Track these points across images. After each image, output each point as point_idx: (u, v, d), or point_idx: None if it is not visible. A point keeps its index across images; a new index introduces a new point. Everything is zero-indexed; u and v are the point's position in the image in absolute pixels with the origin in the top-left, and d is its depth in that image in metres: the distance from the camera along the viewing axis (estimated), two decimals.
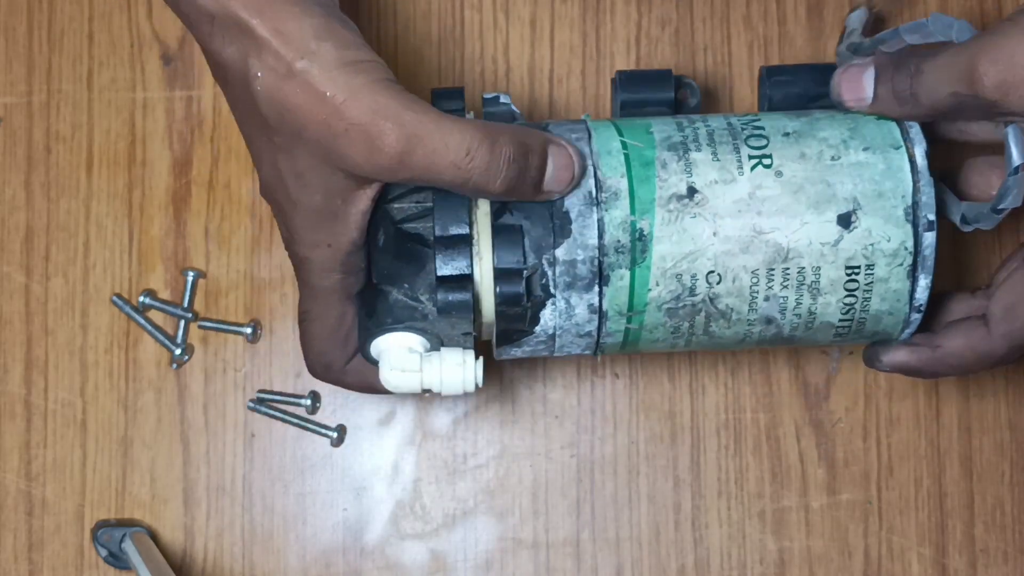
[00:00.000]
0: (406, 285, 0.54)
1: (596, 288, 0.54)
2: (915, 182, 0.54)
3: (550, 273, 0.54)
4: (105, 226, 0.69)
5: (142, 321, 0.68)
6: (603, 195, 0.54)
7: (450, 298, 0.53)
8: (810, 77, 0.59)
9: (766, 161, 0.55)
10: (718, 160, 0.55)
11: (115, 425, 0.68)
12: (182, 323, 0.68)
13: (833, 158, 0.55)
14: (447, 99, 0.57)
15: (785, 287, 0.54)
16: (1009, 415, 0.70)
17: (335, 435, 0.68)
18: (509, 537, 0.68)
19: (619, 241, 0.54)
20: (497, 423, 0.69)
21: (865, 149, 0.55)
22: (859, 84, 0.57)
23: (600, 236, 0.54)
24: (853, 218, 0.54)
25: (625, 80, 0.59)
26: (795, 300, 0.55)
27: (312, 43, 0.50)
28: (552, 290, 0.54)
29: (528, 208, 0.54)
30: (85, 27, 0.69)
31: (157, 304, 0.68)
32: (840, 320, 0.56)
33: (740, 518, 0.69)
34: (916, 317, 0.56)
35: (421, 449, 0.69)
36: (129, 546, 0.65)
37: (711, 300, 0.55)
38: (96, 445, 0.68)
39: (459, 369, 0.54)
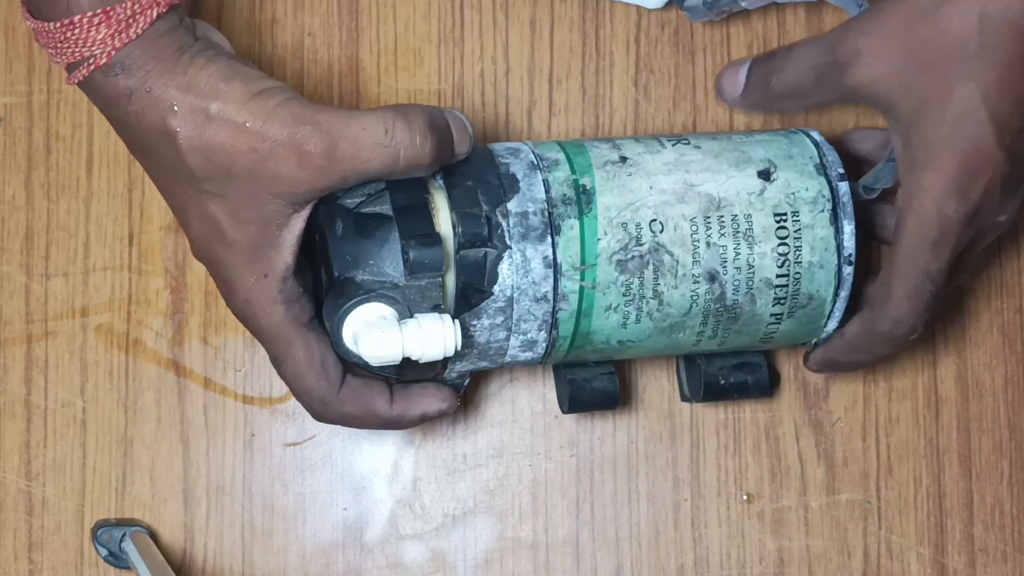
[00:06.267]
0: (371, 262, 0.56)
1: (549, 239, 0.57)
2: (817, 147, 0.61)
3: (504, 224, 0.57)
4: (105, 226, 0.69)
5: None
6: (544, 163, 0.59)
7: (422, 254, 0.55)
8: None
9: (684, 140, 0.61)
10: (642, 143, 0.61)
11: (115, 425, 0.68)
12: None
13: (741, 139, 0.61)
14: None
15: (722, 235, 0.59)
16: (1008, 415, 0.70)
17: None
18: (508, 537, 0.69)
19: (565, 195, 0.58)
20: (497, 423, 0.69)
21: (768, 134, 0.62)
22: (736, 75, 0.63)
23: (547, 191, 0.58)
24: (772, 171, 0.60)
25: None
26: (733, 249, 0.59)
27: (221, 85, 0.54)
28: (508, 241, 0.57)
29: (476, 173, 0.58)
30: None
31: None
32: (778, 276, 0.59)
33: (739, 518, 0.69)
34: (848, 271, 0.60)
35: (421, 449, 0.69)
36: (129, 546, 0.65)
37: (656, 249, 0.58)
38: (96, 445, 0.68)
39: (438, 327, 0.54)
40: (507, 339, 0.59)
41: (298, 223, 0.56)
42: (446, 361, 0.58)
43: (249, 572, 0.68)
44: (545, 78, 0.70)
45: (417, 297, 0.56)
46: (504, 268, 0.57)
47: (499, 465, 0.69)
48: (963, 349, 0.70)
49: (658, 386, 0.69)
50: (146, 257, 0.69)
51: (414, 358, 0.55)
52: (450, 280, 0.57)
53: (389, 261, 0.56)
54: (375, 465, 0.69)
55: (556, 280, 0.57)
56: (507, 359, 0.60)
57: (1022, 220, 0.68)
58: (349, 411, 0.59)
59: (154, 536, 0.67)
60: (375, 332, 0.54)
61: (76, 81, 0.55)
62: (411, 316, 0.56)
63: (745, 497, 0.69)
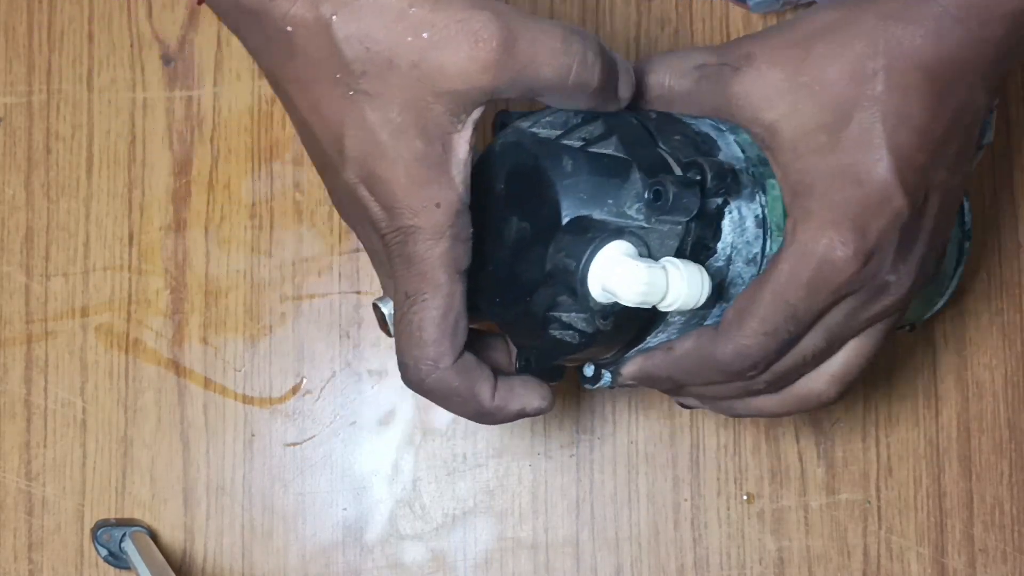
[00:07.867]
0: (610, 201, 0.51)
1: (758, 198, 0.53)
2: None
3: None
4: (105, 226, 0.69)
5: None
6: (724, 125, 0.54)
7: (681, 194, 0.49)
8: None
9: None
10: None
11: (115, 425, 0.68)
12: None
13: None
14: None
15: None
16: (1008, 415, 0.70)
17: None
18: (508, 537, 0.69)
19: (759, 155, 0.53)
20: None
21: None
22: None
23: (743, 151, 0.54)
24: None
25: None
26: None
27: None
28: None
29: (674, 129, 0.53)
30: (85, 27, 0.70)
31: None
32: None
33: (739, 517, 0.69)
34: (967, 245, 0.60)
35: (421, 449, 0.69)
36: (129, 546, 0.65)
37: None
38: (96, 445, 0.68)
39: (696, 273, 0.49)
40: (712, 306, 0.53)
41: (463, 145, 0.50)
42: (642, 332, 0.53)
43: (249, 572, 0.68)
44: None
45: (656, 243, 0.50)
46: (725, 224, 0.52)
47: (499, 465, 0.69)
48: (963, 349, 0.70)
49: None
50: (146, 257, 0.69)
51: (664, 304, 0.49)
52: None
53: (629, 202, 0.51)
54: (375, 465, 0.69)
55: (765, 241, 0.53)
56: None
57: (1010, 221, 0.68)
58: (455, 385, 0.52)
59: (154, 536, 0.67)
60: (640, 265, 0.48)
61: None
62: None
63: (745, 497, 0.69)
